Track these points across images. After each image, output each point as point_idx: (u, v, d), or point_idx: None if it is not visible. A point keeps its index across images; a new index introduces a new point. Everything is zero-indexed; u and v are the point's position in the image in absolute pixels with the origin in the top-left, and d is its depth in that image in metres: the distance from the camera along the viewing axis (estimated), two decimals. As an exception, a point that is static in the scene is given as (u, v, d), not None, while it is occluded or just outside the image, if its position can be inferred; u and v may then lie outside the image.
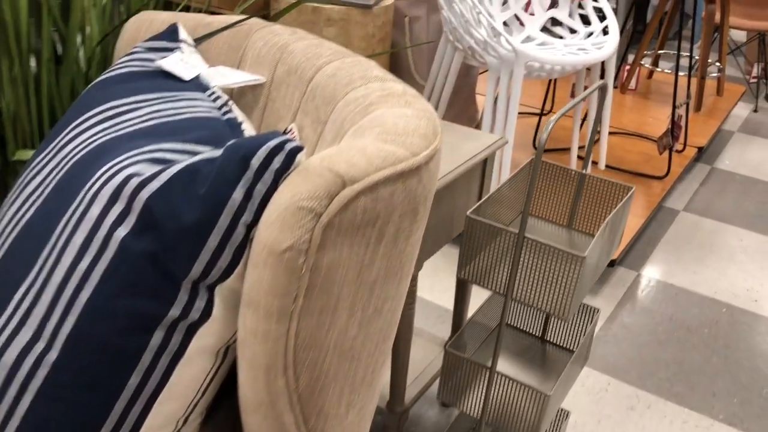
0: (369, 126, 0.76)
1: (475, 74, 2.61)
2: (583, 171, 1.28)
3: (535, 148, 2.78)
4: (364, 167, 0.68)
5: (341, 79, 0.88)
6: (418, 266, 1.25)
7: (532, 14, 2.49)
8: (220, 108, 0.90)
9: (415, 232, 0.75)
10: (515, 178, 1.29)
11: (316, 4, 2.29)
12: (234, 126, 0.86)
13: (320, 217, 0.66)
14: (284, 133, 0.86)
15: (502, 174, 2.29)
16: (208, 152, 0.75)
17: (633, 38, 4.74)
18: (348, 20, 2.30)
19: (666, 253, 2.37)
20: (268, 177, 0.69)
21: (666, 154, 2.81)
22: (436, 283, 2.17)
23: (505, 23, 2.52)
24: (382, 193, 0.68)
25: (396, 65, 2.66)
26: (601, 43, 2.28)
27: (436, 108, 2.49)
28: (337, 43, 2.35)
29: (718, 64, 3.58)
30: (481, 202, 1.14)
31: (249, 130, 0.88)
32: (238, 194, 0.69)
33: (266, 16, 2.90)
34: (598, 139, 2.66)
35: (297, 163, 0.70)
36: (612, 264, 2.09)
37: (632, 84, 3.53)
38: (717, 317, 2.09)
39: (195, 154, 0.78)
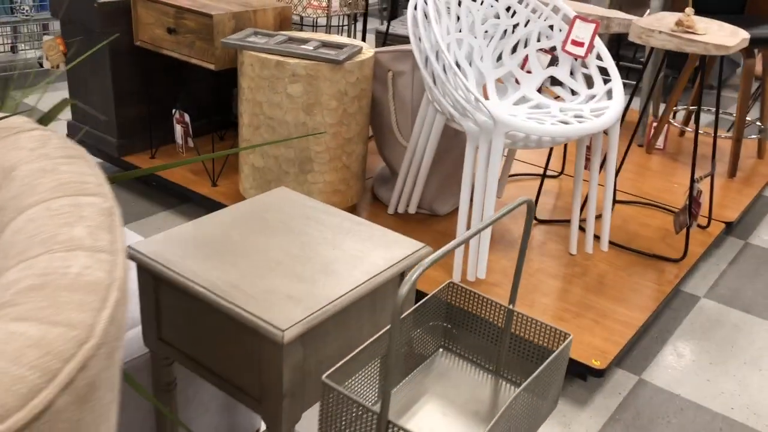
0: None
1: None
2: (509, 306, 0.99)
3: (535, 218, 2.47)
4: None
5: (19, 242, 0.61)
6: None
7: (529, 72, 2.20)
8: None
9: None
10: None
11: (279, 58, 2.06)
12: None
13: None
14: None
15: (479, 267, 1.99)
16: None
17: (666, 87, 4.38)
18: (316, 76, 2.07)
19: (677, 353, 2.03)
20: None
21: (684, 232, 2.46)
22: None
23: (500, 80, 2.24)
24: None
25: (378, 124, 2.41)
26: (601, 110, 1.97)
27: (418, 172, 2.22)
28: (305, 102, 2.14)
29: (759, 123, 3.21)
30: (347, 359, 0.86)
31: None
32: None
33: (235, 69, 2.70)
34: (600, 215, 2.34)
35: None
36: (599, 374, 1.77)
37: (659, 142, 3.19)
38: (729, 443, 1.74)
39: None
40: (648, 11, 3.04)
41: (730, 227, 2.62)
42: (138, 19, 2.47)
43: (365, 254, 1.06)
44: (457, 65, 2.15)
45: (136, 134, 2.68)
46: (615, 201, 2.64)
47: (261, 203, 1.18)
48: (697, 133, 2.19)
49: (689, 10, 2.14)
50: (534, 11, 2.21)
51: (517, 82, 2.22)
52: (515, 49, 2.24)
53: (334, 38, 2.30)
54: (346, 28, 3.14)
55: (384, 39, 3.12)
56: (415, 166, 2.22)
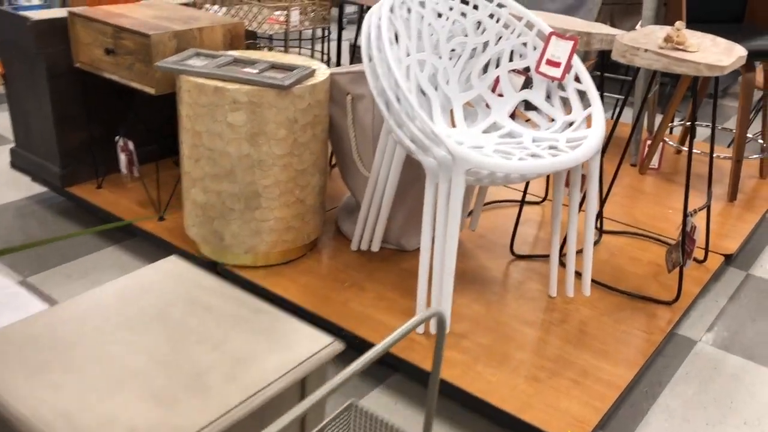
0: None
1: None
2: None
3: (512, 252, 2.24)
4: None
5: None
6: None
7: (500, 95, 1.98)
8: None
9: None
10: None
11: (218, 83, 1.84)
12: None
13: None
14: None
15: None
16: None
17: (663, 96, 4.14)
18: (260, 103, 1.85)
19: (668, 411, 1.79)
20: None
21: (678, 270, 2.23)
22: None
23: (469, 104, 2.01)
24: None
25: (339, 151, 2.18)
26: (579, 140, 1.75)
27: (381, 205, 1.99)
28: (248, 132, 1.90)
29: (761, 141, 2.97)
30: None
31: None
32: None
33: (174, 94, 2.46)
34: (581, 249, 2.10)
35: None
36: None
37: (654, 162, 2.96)
38: None
39: None
40: (640, 23, 2.80)
41: (728, 260, 2.39)
42: (76, 39, 2.26)
43: (254, 356, 0.84)
44: (422, 92, 1.92)
45: (81, 162, 2.46)
46: (602, 231, 2.41)
47: (140, 281, 0.96)
48: (690, 158, 1.96)
49: (680, 24, 1.91)
50: (507, 26, 1.98)
51: (488, 106, 1.99)
52: (486, 70, 2.01)
53: (288, 58, 2.08)
54: (322, 40, 2.92)
55: (351, 55, 2.90)
56: (378, 198, 1.99)
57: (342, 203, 2.39)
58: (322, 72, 2.00)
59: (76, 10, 2.23)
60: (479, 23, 1.99)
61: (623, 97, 3.98)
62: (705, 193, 2.78)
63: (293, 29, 2.41)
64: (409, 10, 1.88)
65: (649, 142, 2.93)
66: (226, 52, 2.10)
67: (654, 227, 2.47)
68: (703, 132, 3.80)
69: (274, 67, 1.98)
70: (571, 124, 1.85)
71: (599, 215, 2.36)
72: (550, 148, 1.74)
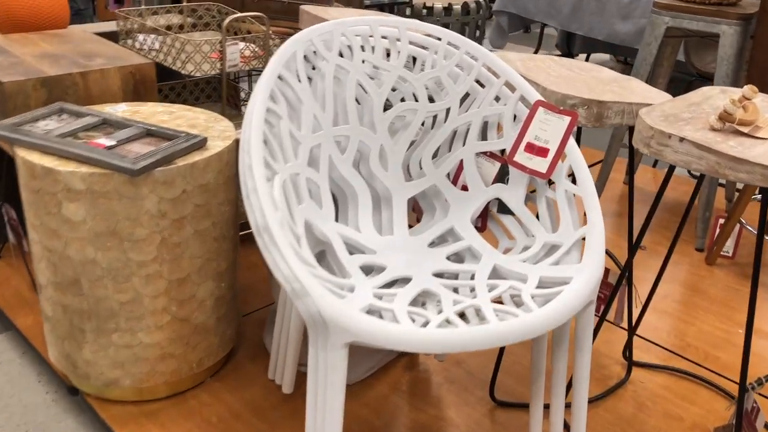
0: None
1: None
2: None
3: (493, 397, 1.59)
4: None
5: None
6: None
7: (464, 188, 1.34)
8: None
9: None
10: None
11: (52, 162, 1.30)
12: None
13: None
14: None
15: None
16: None
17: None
18: (103, 192, 1.29)
19: None
20: None
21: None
22: None
23: (415, 208, 1.39)
24: None
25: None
26: (556, 287, 1.10)
27: (288, 338, 1.40)
28: (92, 230, 1.29)
29: None
30: None
31: None
32: None
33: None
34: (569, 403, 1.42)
35: None
36: None
37: (728, 248, 2.21)
38: None
39: None
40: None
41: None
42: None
43: None
44: (344, 194, 1.31)
45: (-23, 225, 2.00)
46: (632, 363, 1.72)
47: None
48: (759, 252, 1.26)
49: (750, 90, 1.22)
50: (483, 84, 1.34)
51: (447, 201, 1.35)
52: (449, 149, 1.38)
53: (188, 118, 1.52)
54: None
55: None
56: (285, 331, 1.40)
57: (273, 309, 1.81)
58: (222, 141, 1.42)
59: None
60: (439, 82, 1.36)
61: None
62: (795, 301, 2.01)
63: (231, 68, 1.85)
64: (313, 68, 1.28)
65: (722, 221, 2.19)
66: (105, 108, 1.56)
67: (712, 359, 1.75)
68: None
69: (150, 134, 1.43)
70: (555, 248, 1.19)
71: (629, 339, 1.67)
72: (513, 297, 1.10)
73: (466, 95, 1.36)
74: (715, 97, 1.35)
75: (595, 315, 1.72)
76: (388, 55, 1.34)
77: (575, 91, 1.31)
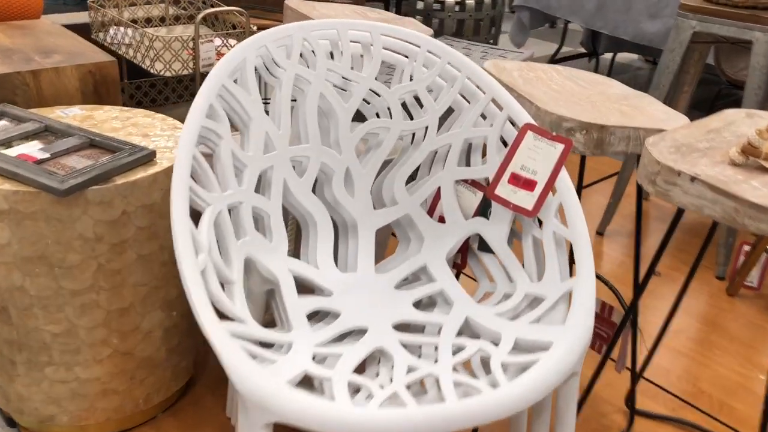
0: None
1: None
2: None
3: (476, 448, 1.42)
4: None
5: None
6: None
7: (441, 220, 1.17)
8: None
9: None
10: None
11: (-32, 179, 1.15)
12: None
13: None
14: None
15: None
16: None
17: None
18: (29, 213, 1.14)
19: None
20: None
21: None
22: None
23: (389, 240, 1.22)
24: None
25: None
26: (537, 352, 0.92)
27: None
28: (17, 254, 1.14)
29: None
30: None
31: None
32: None
33: None
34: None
35: None
36: None
37: (753, 278, 2.01)
38: None
39: None
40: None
41: None
42: None
43: None
44: (302, 223, 1.14)
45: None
46: (634, 411, 1.53)
47: None
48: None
49: (780, 116, 1.03)
50: (468, 99, 1.16)
51: (421, 233, 1.18)
52: (427, 172, 1.20)
53: (140, 125, 1.37)
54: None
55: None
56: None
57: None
58: (174, 154, 1.26)
59: None
60: (415, 98, 1.18)
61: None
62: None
63: (206, 68, 1.69)
64: (259, 78, 1.11)
65: (747, 247, 1.98)
66: (55, 111, 1.41)
67: (728, 409, 1.56)
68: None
69: (93, 145, 1.27)
70: (538, 301, 1.01)
71: (632, 386, 1.49)
72: (482, 361, 0.92)
73: (450, 111, 1.19)
74: (740, 123, 1.15)
75: (596, 352, 1.54)
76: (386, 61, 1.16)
77: (573, 112, 1.12)
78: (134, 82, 1.94)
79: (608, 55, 4.45)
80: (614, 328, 1.42)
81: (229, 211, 1.03)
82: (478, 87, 1.15)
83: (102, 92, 1.57)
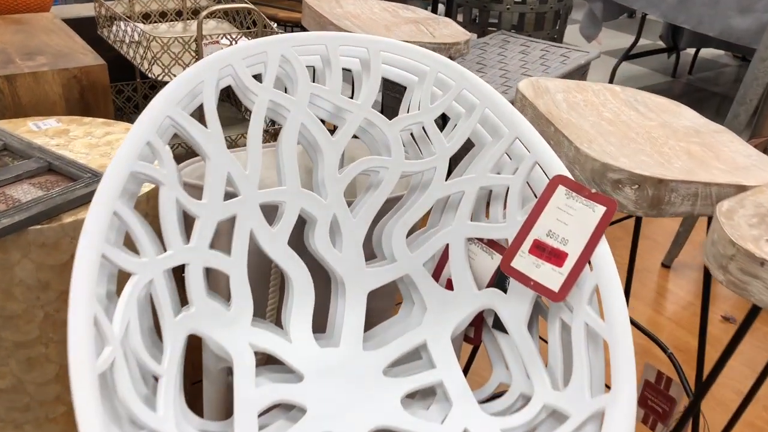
0: None
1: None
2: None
3: None
4: None
5: None
6: None
7: (448, 286, 0.93)
8: None
9: None
10: None
11: None
12: None
13: None
14: None
15: None
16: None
17: None
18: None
19: None
20: None
21: None
22: None
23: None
24: None
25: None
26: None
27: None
28: None
29: None
30: None
31: None
32: None
33: None
34: None
35: None
36: None
37: None
38: None
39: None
40: None
41: None
42: None
43: None
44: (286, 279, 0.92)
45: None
46: None
47: None
48: None
49: None
50: (490, 134, 0.92)
51: (423, 300, 0.95)
52: (435, 223, 0.96)
53: (115, 144, 1.18)
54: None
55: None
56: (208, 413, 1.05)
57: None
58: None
59: None
60: (424, 131, 0.94)
61: None
62: None
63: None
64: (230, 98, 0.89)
65: None
66: (26, 123, 1.23)
67: None
68: None
69: (52, 170, 1.09)
70: (558, 418, 0.77)
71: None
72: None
73: (468, 146, 0.95)
74: None
75: (648, 429, 1.27)
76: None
77: (624, 155, 0.86)
78: (115, 85, 1.77)
79: (690, 50, 4.05)
80: (672, 404, 1.17)
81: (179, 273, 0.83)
82: (500, 121, 0.90)
83: (89, 100, 1.40)
